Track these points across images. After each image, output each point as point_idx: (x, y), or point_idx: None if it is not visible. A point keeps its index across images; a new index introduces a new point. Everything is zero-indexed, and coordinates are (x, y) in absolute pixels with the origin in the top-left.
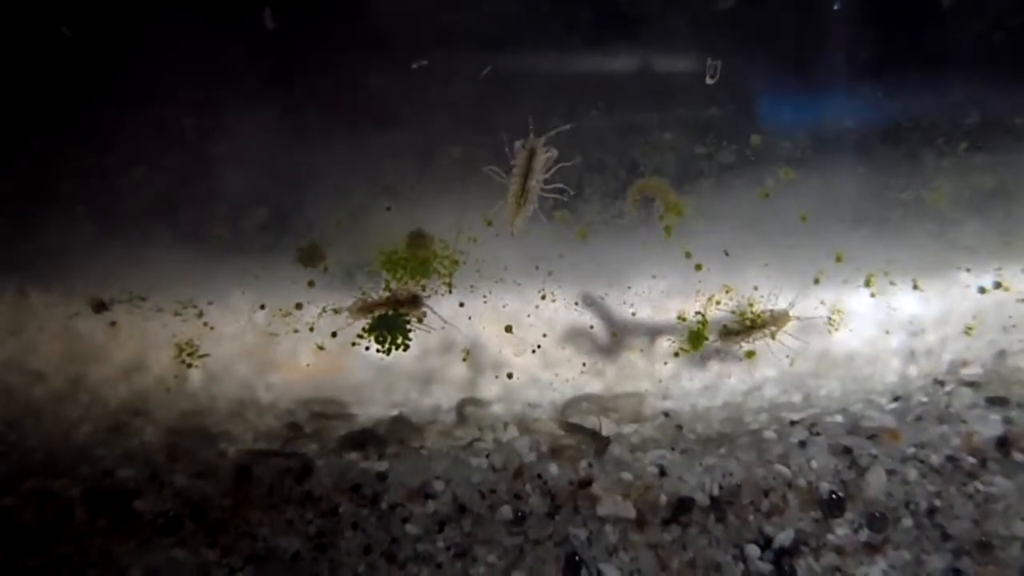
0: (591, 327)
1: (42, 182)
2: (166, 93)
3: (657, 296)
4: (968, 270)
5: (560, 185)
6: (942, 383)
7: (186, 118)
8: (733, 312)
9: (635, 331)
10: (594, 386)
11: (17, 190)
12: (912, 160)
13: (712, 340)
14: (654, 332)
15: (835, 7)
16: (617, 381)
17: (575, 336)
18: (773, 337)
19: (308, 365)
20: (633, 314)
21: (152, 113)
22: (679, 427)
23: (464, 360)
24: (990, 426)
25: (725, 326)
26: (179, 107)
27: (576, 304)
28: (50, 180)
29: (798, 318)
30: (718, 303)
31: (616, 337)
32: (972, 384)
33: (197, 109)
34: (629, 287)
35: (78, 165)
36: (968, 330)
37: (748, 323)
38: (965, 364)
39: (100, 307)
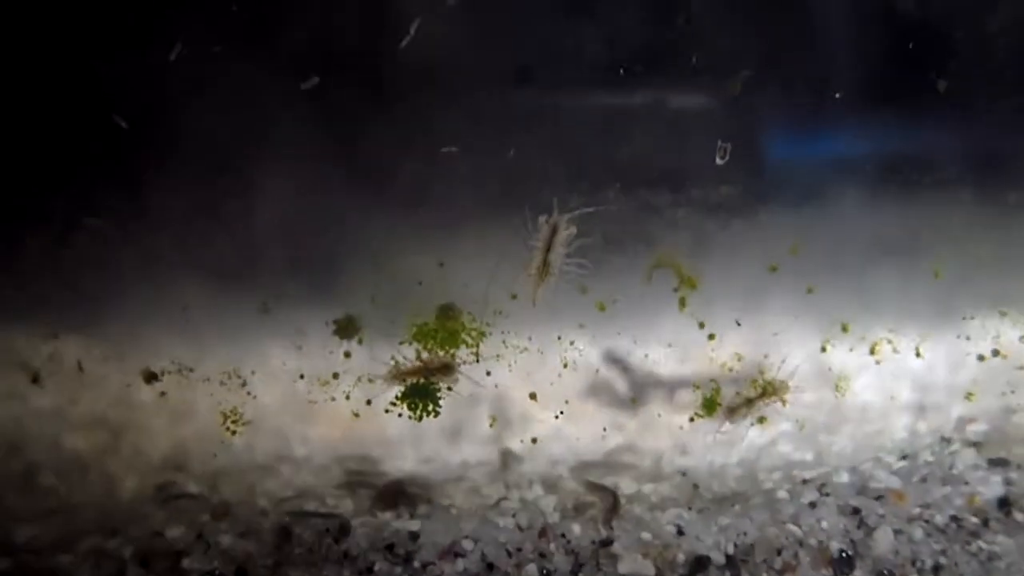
0: (613, 384)
1: (99, 257)
2: (211, 174)
3: (673, 363)
4: (968, 338)
5: (581, 261)
6: (948, 440)
7: (230, 199)
8: (737, 393)
9: (654, 393)
10: (614, 444)
11: (76, 264)
12: (912, 235)
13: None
14: (671, 394)
15: (836, 96)
16: (637, 439)
17: (597, 396)
18: (783, 404)
19: (344, 429)
20: (651, 378)
21: (198, 194)
22: (695, 486)
23: (491, 426)
24: (992, 487)
25: (729, 407)
26: (223, 188)
27: (597, 371)
28: (106, 256)
29: (798, 388)
30: (730, 370)
31: (635, 401)
32: (975, 444)
33: (240, 191)
34: (647, 355)
35: (131, 242)
36: (969, 396)
37: (754, 393)
38: (971, 421)
39: (151, 378)
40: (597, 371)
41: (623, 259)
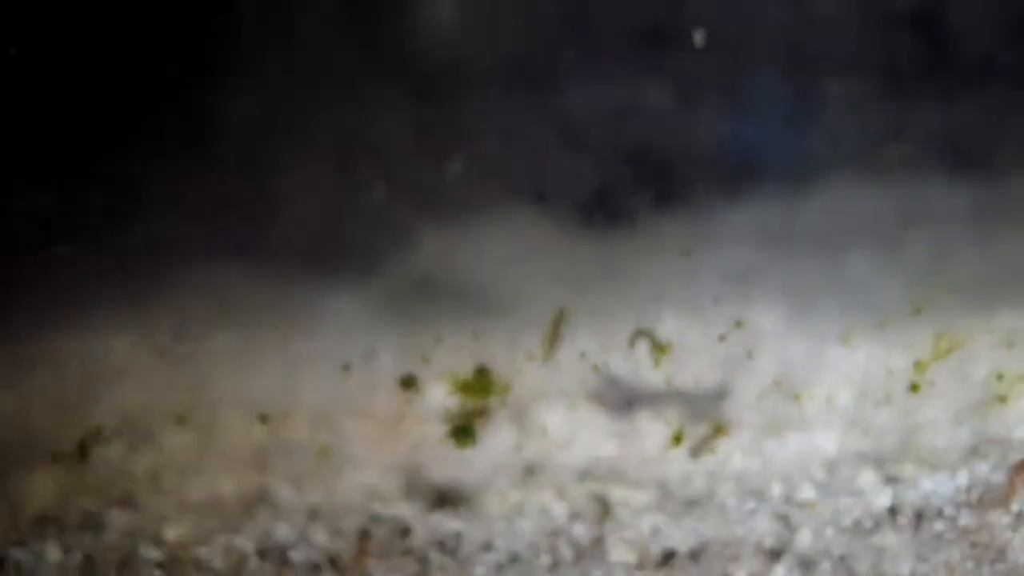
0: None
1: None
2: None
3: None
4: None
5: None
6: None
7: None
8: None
9: (640, 423)
10: (610, 460)
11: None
12: None
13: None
14: (653, 425)
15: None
16: (627, 458)
17: (592, 427)
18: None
19: (403, 452)
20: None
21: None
22: (668, 495)
23: (516, 449)
24: (883, 498)
25: (693, 447)
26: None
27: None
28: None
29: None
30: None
31: (628, 428)
32: (876, 462)
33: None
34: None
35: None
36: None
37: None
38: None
39: (264, 419)
40: (593, 406)
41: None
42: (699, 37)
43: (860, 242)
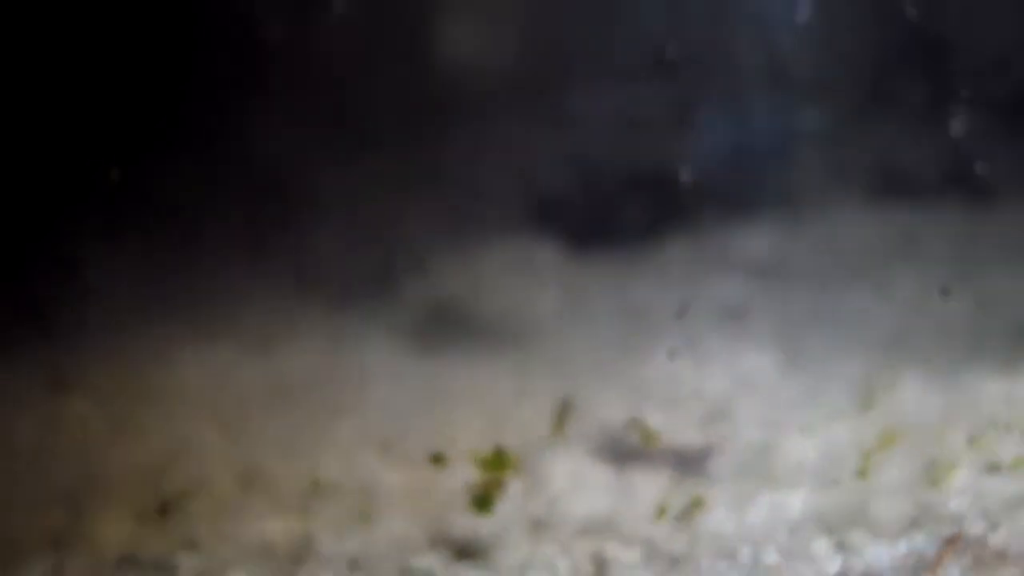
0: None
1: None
2: None
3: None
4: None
5: None
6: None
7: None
8: None
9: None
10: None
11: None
12: None
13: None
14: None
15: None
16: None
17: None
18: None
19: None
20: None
21: None
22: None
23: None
24: (833, 564)
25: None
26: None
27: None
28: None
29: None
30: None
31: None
32: (829, 530)
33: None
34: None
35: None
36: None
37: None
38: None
39: (315, 486)
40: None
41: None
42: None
43: None
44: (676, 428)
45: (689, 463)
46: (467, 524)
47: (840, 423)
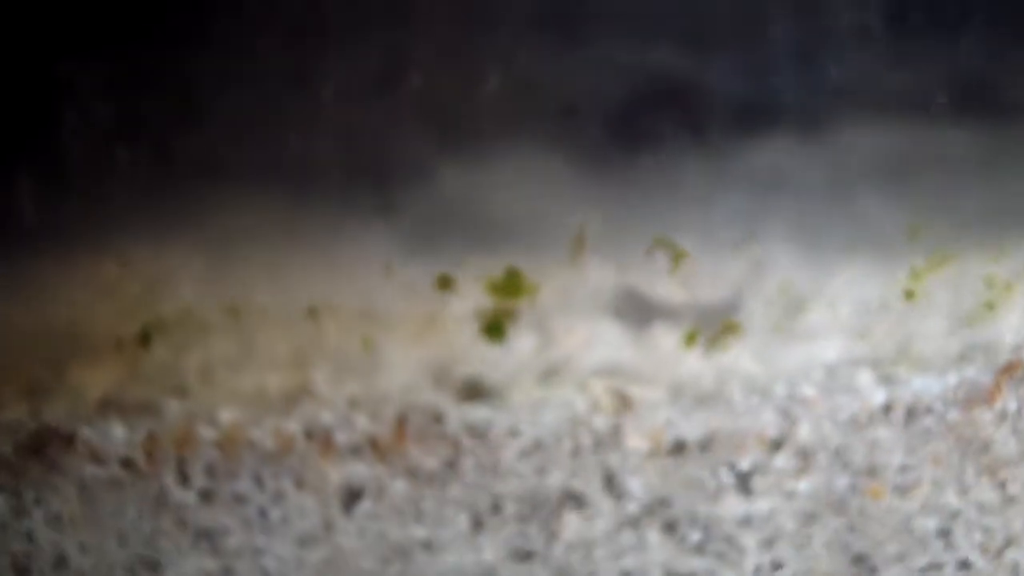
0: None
1: (278, 227)
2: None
3: (670, 307)
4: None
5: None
6: (856, 363)
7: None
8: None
9: (657, 326)
10: (628, 360)
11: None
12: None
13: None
14: (668, 329)
15: None
16: (644, 358)
17: (617, 327)
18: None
19: (439, 349)
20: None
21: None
22: (681, 392)
23: (541, 346)
24: (878, 395)
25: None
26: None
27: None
28: (282, 224)
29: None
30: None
31: (644, 330)
32: (873, 364)
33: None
34: (651, 302)
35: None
36: (866, 331)
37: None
38: (881, 347)
39: (313, 312)
40: (615, 309)
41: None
42: None
43: None
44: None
45: (720, 301)
46: (476, 357)
47: (886, 250)
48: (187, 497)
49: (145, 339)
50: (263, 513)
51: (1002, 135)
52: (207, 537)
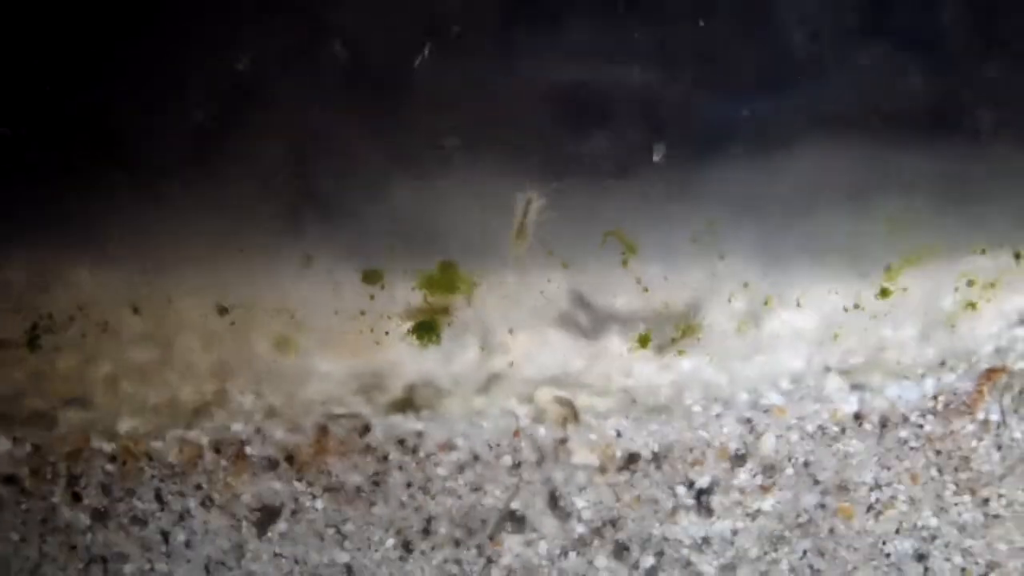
0: (576, 325)
1: (182, 217)
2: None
3: (621, 310)
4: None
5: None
6: (828, 370)
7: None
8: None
9: (605, 330)
10: (575, 368)
11: (163, 218)
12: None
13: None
14: (620, 333)
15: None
16: (592, 365)
17: (562, 331)
18: (698, 340)
19: (364, 354)
20: (605, 319)
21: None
22: (634, 400)
23: (481, 350)
24: (850, 404)
25: (659, 345)
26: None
27: (561, 312)
28: (187, 213)
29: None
30: (660, 315)
31: (590, 337)
32: (845, 372)
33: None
34: (601, 304)
35: (207, 204)
36: (835, 337)
37: (677, 334)
38: (850, 355)
39: (223, 311)
40: (561, 312)
41: (582, 229)
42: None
43: None
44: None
45: (677, 302)
46: (407, 361)
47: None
48: (78, 518)
49: (33, 340)
50: (165, 536)
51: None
52: (100, 563)
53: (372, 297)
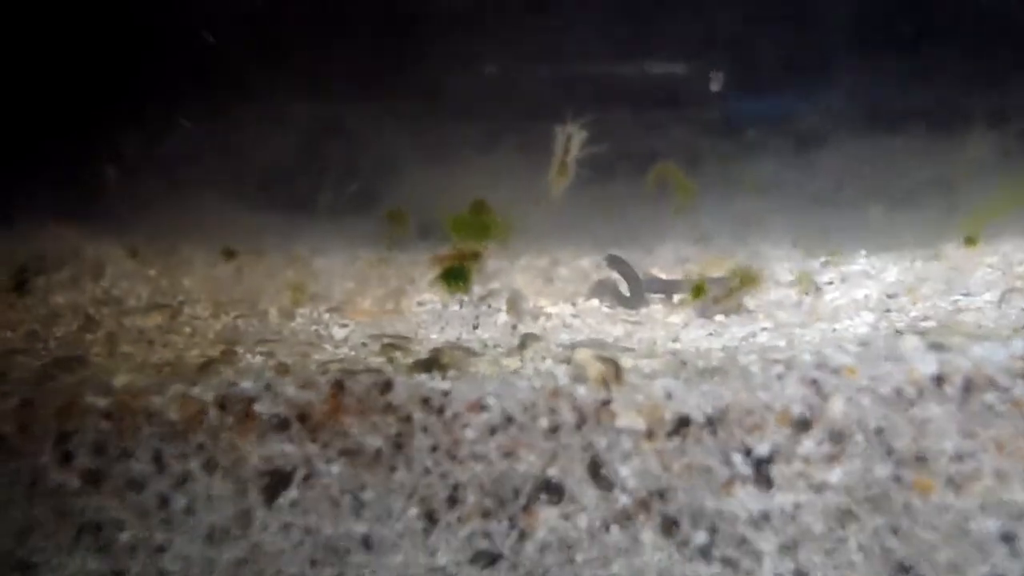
0: (616, 283)
1: (190, 158)
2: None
3: (671, 260)
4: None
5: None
6: (900, 332)
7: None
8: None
9: (652, 287)
10: (617, 331)
11: (171, 163)
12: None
13: (710, 295)
14: (668, 289)
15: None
16: (636, 327)
17: (603, 289)
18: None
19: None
20: (651, 273)
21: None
22: (683, 362)
23: (509, 311)
24: (928, 365)
25: (714, 297)
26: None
27: (604, 263)
28: (196, 156)
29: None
30: (715, 268)
31: (635, 293)
32: (921, 334)
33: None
34: (650, 252)
35: (215, 147)
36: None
37: (736, 284)
38: (925, 319)
39: (230, 255)
40: (603, 263)
41: (630, 168)
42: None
43: None
44: None
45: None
46: (432, 313)
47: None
48: (69, 480)
49: (20, 283)
50: (164, 502)
51: None
52: (93, 531)
53: (395, 242)
